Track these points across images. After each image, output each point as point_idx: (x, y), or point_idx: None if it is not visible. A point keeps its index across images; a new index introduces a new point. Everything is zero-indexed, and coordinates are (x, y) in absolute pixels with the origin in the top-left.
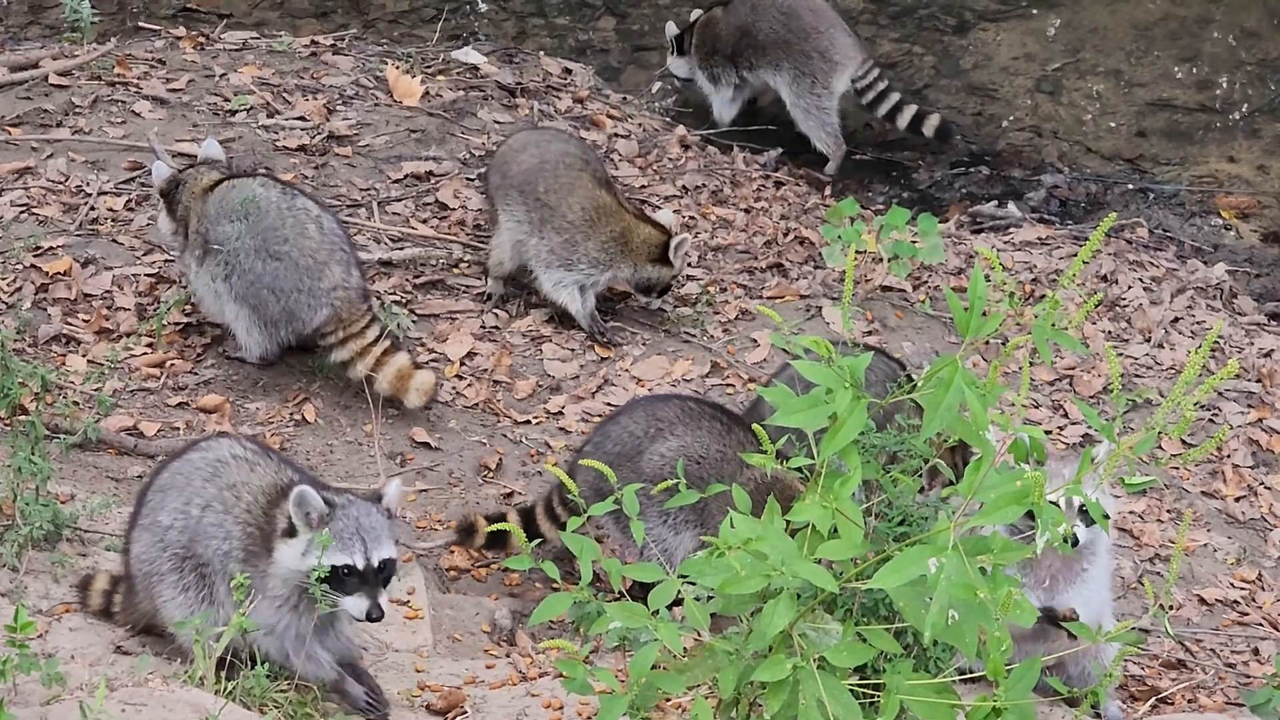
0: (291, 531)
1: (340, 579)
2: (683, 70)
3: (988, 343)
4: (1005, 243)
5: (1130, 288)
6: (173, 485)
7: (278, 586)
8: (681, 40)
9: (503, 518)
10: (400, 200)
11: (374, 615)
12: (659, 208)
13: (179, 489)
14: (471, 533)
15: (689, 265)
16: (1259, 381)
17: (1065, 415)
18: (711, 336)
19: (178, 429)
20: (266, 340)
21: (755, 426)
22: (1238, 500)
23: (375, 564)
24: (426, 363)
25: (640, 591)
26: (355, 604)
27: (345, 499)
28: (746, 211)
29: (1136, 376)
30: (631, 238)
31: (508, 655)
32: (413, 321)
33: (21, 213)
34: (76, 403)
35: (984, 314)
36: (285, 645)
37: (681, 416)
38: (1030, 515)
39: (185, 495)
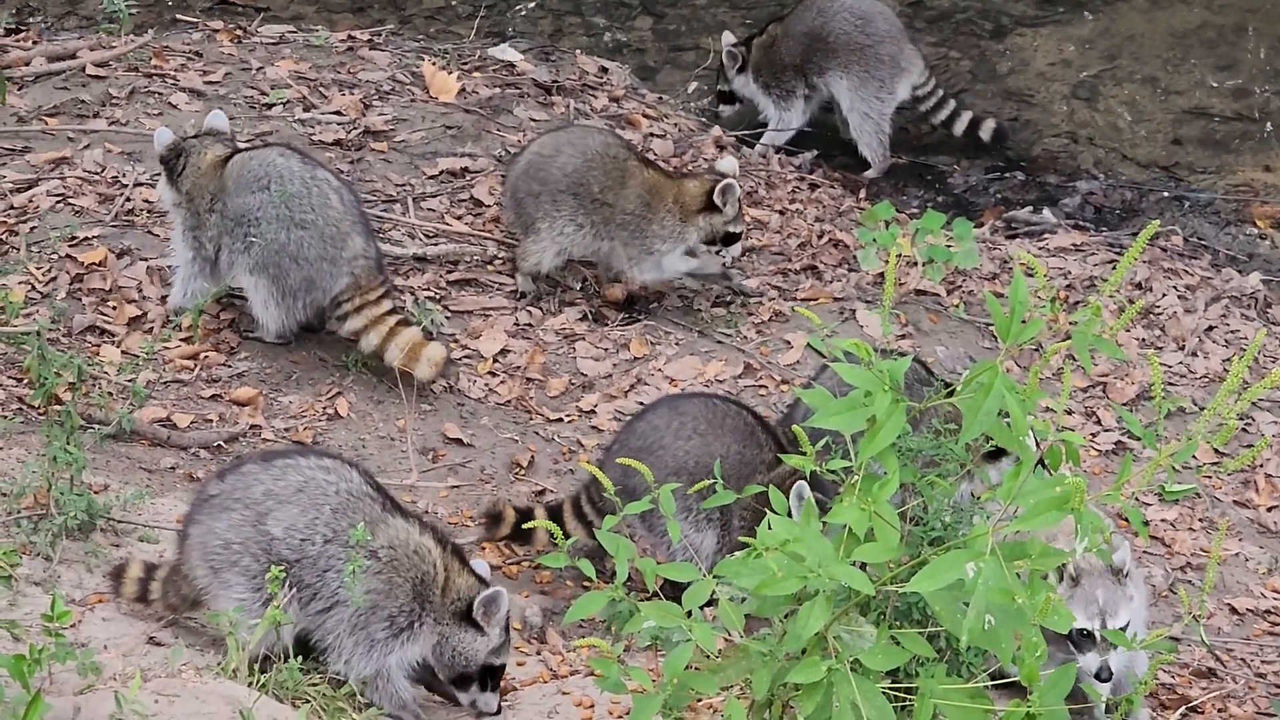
0: (473, 622)
1: (495, 675)
2: (746, 89)
3: (1022, 348)
4: (1040, 249)
5: (1165, 295)
6: (294, 502)
7: (416, 654)
8: (741, 59)
9: (530, 513)
10: (435, 196)
11: (499, 711)
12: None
13: (303, 509)
14: (498, 522)
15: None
16: None
17: (1098, 422)
18: (745, 338)
19: (211, 421)
20: (284, 314)
21: (795, 428)
22: (1270, 510)
23: None
24: (460, 359)
25: (672, 591)
26: (488, 700)
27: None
28: (781, 213)
29: (1170, 384)
30: (683, 198)
31: (538, 653)
32: (446, 318)
33: (57, 203)
34: (110, 394)
35: (1025, 320)
36: (392, 688)
37: (705, 413)
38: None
39: (310, 518)
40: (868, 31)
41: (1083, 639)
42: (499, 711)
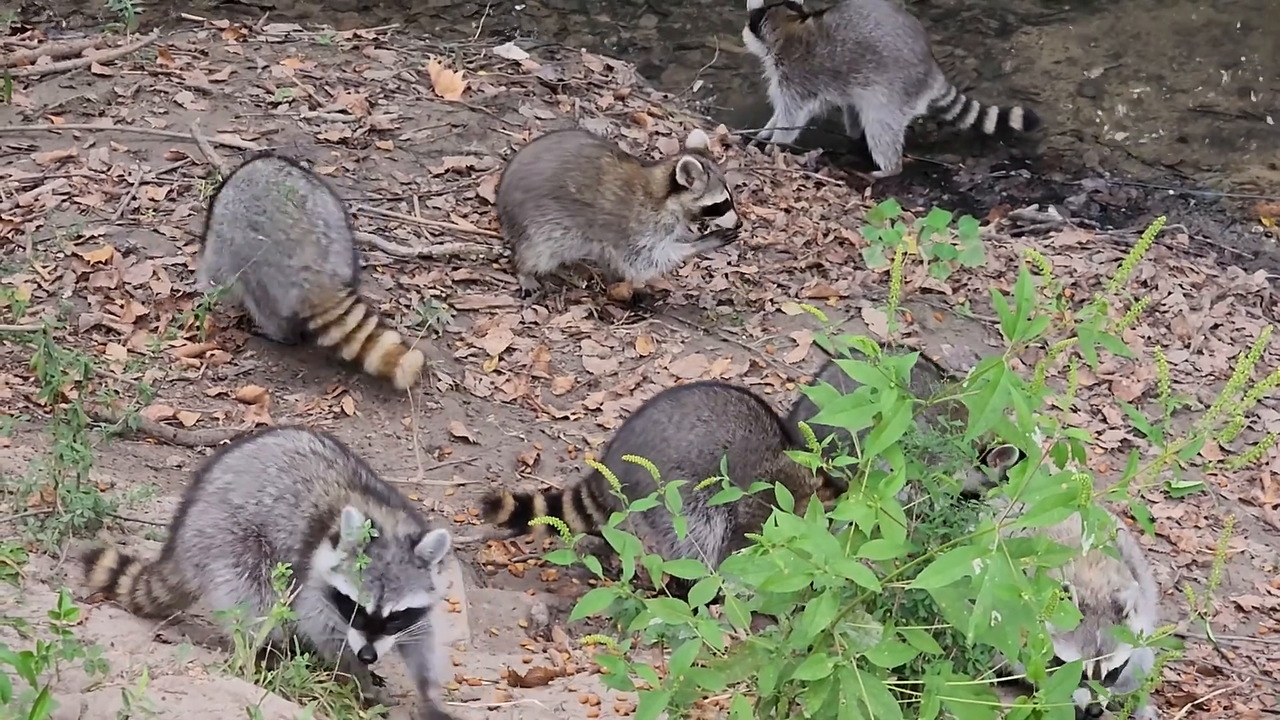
0: (336, 540)
1: (349, 609)
2: (754, 48)
3: (1027, 346)
4: (1045, 247)
5: (1170, 293)
6: (248, 470)
7: (315, 580)
8: (759, 25)
9: (530, 501)
10: (441, 195)
11: (364, 656)
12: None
13: (254, 474)
14: (497, 508)
15: (711, 182)
16: None
17: (1103, 420)
18: (751, 336)
19: (217, 419)
20: (264, 317)
21: (803, 425)
22: (1275, 508)
23: (385, 614)
24: (466, 357)
25: (678, 588)
26: (355, 637)
27: (391, 537)
28: (787, 211)
29: (1175, 382)
30: (650, 187)
31: (544, 650)
32: (452, 316)
33: (63, 201)
34: (117, 392)
35: (1030, 317)
36: (316, 632)
37: (706, 402)
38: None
39: (260, 481)
40: (914, 49)
41: None
42: (360, 654)
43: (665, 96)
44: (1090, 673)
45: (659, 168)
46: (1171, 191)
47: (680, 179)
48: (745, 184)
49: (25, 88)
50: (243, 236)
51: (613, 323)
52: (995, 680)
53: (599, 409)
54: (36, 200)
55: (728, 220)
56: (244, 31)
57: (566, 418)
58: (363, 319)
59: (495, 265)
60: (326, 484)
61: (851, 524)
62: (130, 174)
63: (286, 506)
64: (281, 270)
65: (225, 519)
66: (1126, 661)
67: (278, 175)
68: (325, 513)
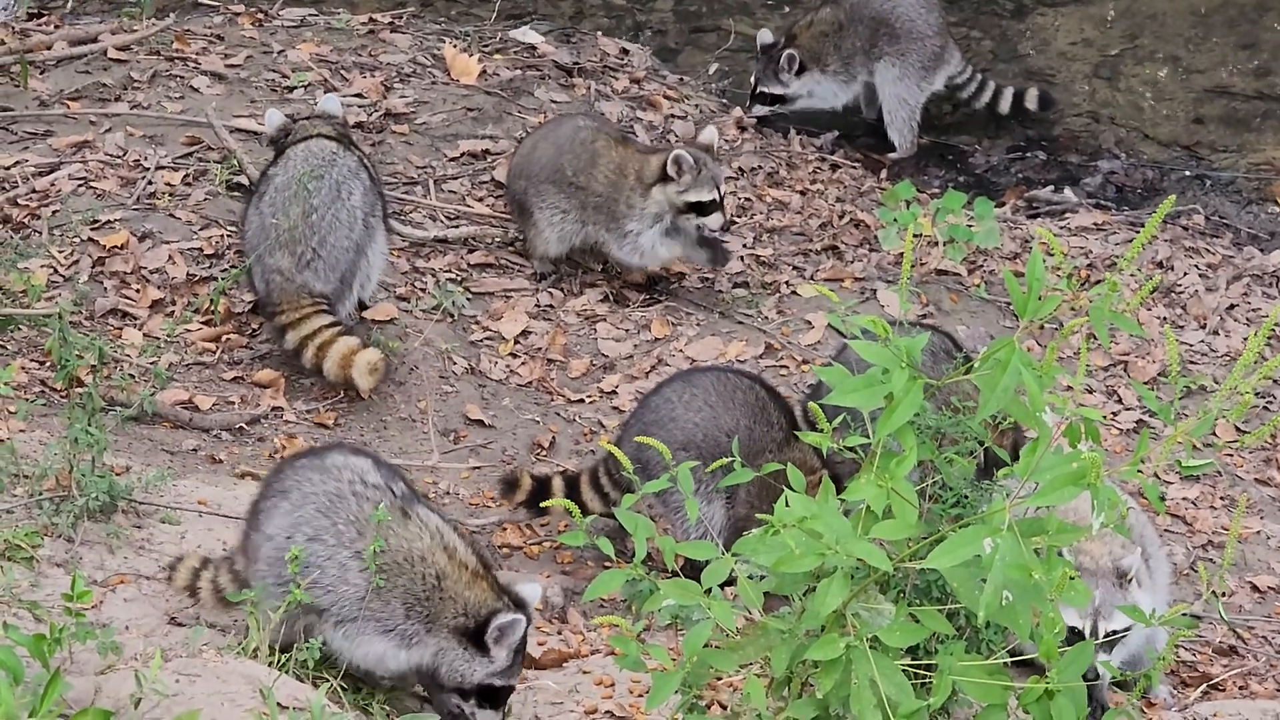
0: (478, 642)
1: (494, 695)
2: (807, 86)
3: (1042, 327)
4: (1061, 228)
5: (1186, 274)
6: (283, 502)
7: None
8: (799, 60)
9: (548, 482)
10: (456, 178)
11: None
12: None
13: (286, 510)
14: (514, 488)
15: (700, 179)
16: None
17: (1119, 400)
18: (766, 318)
19: (232, 403)
20: (253, 288)
21: (813, 405)
22: None
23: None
24: (481, 340)
25: (691, 569)
26: (487, 717)
27: (517, 610)
28: (802, 194)
29: (1191, 363)
30: (642, 172)
31: (559, 632)
32: (468, 299)
33: (79, 186)
34: (132, 376)
35: (1041, 297)
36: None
37: (715, 386)
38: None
39: (293, 517)
40: (929, 21)
41: (1073, 637)
42: None
43: (681, 79)
44: (1087, 632)
45: (656, 155)
46: (1187, 172)
47: (670, 170)
48: (761, 166)
49: (42, 73)
50: (249, 212)
51: (628, 306)
52: (1008, 660)
53: (614, 392)
54: (53, 185)
55: (713, 221)
56: (259, 16)
57: (582, 400)
58: (321, 327)
59: (510, 249)
60: (394, 532)
61: (863, 504)
62: (146, 159)
63: (327, 548)
64: (260, 262)
65: (265, 568)
66: (1129, 628)
67: (320, 165)
68: (418, 589)
